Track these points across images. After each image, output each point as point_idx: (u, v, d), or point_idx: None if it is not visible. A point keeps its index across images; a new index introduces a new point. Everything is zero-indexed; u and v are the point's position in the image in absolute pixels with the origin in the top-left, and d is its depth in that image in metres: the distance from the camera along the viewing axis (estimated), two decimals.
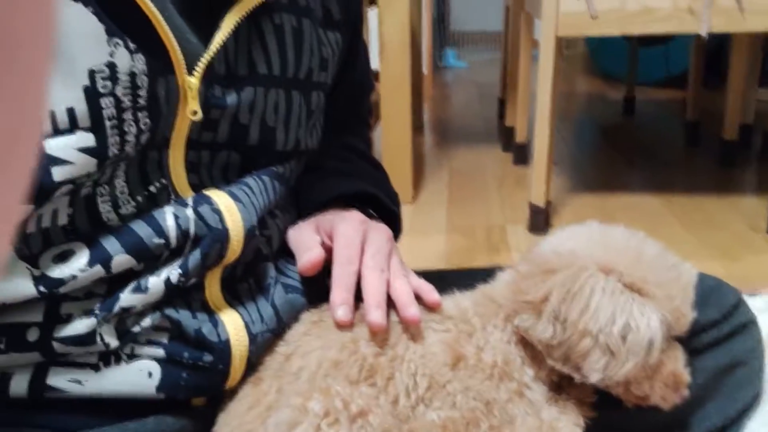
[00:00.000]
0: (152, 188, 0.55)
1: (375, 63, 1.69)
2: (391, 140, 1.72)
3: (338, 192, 0.72)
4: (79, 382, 0.53)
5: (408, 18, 1.64)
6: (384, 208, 0.76)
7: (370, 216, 0.73)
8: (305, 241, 0.64)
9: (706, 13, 1.33)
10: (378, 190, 0.75)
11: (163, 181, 0.55)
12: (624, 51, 3.06)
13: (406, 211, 1.72)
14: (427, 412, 0.56)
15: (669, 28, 1.38)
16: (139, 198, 0.54)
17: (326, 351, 0.57)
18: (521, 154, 2.21)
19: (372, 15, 1.69)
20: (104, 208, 0.52)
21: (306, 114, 0.66)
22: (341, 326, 0.58)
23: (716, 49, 3.02)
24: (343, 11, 0.72)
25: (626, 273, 0.58)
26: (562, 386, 0.61)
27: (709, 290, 0.70)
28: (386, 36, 1.64)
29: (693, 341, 0.65)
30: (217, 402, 0.58)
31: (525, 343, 0.60)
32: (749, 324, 0.69)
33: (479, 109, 3.24)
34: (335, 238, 0.63)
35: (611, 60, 3.80)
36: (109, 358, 0.54)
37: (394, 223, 0.77)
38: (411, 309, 0.58)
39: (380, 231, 0.65)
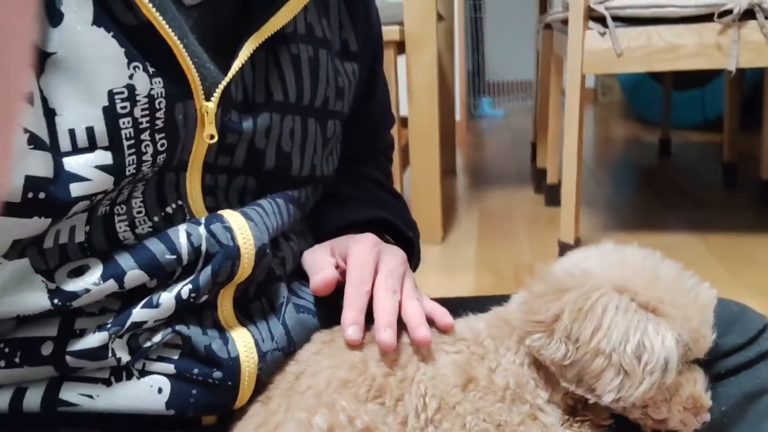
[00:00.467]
0: (169, 209, 0.56)
1: (404, 109, 1.72)
2: (419, 183, 1.73)
3: (354, 218, 0.73)
4: (90, 396, 0.54)
5: (435, 65, 1.67)
6: (402, 236, 0.77)
7: (386, 241, 0.73)
8: (319, 262, 0.64)
9: (734, 47, 1.32)
10: (394, 217, 0.75)
11: (180, 202, 0.57)
12: (659, 95, 3.05)
13: (436, 251, 1.72)
14: None
15: (696, 65, 1.37)
16: (156, 218, 0.55)
17: (335, 370, 0.57)
18: (553, 196, 2.20)
19: (401, 61, 1.72)
20: (121, 227, 0.54)
21: (322, 142, 0.68)
22: (351, 345, 0.58)
23: (753, 91, 2.99)
24: (361, 43, 0.74)
25: (641, 292, 0.57)
26: (576, 410, 0.59)
27: (733, 316, 0.68)
28: (414, 83, 1.68)
29: (715, 366, 0.63)
30: (228, 421, 0.58)
31: (538, 365, 0.59)
32: None
33: (513, 154, 3.25)
34: (349, 259, 0.63)
35: (647, 104, 3.79)
36: (120, 373, 0.54)
37: (411, 251, 0.77)
38: (422, 330, 0.58)
39: (394, 253, 0.65)
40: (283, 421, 0.54)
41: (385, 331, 0.57)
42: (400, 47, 1.69)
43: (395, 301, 0.60)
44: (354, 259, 0.62)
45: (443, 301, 0.66)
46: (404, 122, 1.73)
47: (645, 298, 0.57)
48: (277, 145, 0.62)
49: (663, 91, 2.96)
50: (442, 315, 0.62)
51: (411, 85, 1.66)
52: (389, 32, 1.60)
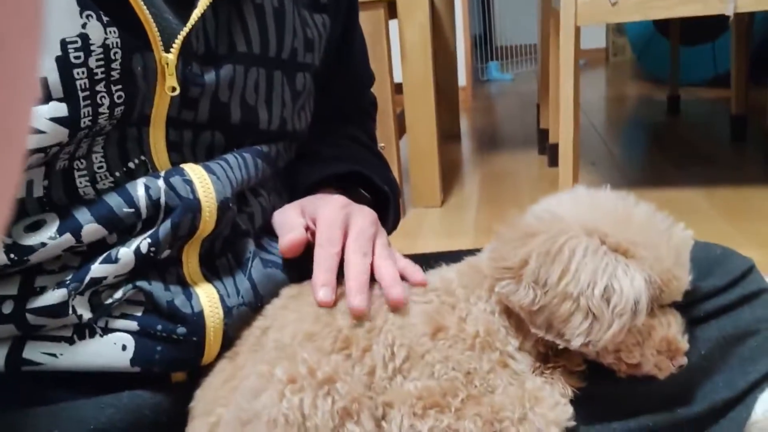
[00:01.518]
0: (131, 164, 0.55)
1: (398, 76, 1.69)
2: (417, 147, 1.71)
3: (330, 172, 0.72)
4: (54, 355, 0.53)
5: (428, 24, 1.63)
6: (379, 193, 0.75)
7: (360, 198, 0.72)
8: (288, 223, 0.63)
9: None
10: (372, 173, 0.74)
11: (143, 158, 0.56)
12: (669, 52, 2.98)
13: (435, 215, 1.71)
14: (404, 384, 0.55)
15: (693, 11, 1.33)
16: (118, 174, 0.55)
17: (301, 324, 0.57)
18: (555, 156, 2.16)
19: (393, 25, 1.69)
20: (81, 182, 0.53)
21: (291, 95, 0.66)
22: (323, 306, 0.57)
23: (762, 43, 2.91)
24: None
25: (611, 234, 0.55)
26: (548, 357, 0.58)
27: (716, 258, 0.66)
28: (407, 45, 1.64)
29: (695, 309, 0.62)
30: (197, 378, 0.58)
31: (509, 312, 0.57)
32: (761, 292, 0.65)
33: (520, 117, 3.21)
34: (317, 220, 0.62)
35: (657, 62, 3.71)
36: (83, 331, 0.54)
37: (388, 209, 0.76)
38: (396, 289, 0.57)
39: (364, 214, 0.64)
40: (248, 375, 0.53)
41: (356, 296, 0.56)
42: (392, 9, 1.66)
43: (366, 263, 0.59)
44: (323, 220, 0.61)
45: (418, 258, 0.66)
46: (399, 88, 1.70)
47: (615, 240, 0.55)
48: (242, 97, 0.61)
49: (671, 46, 2.90)
50: (414, 272, 0.61)
51: (404, 47, 1.63)
52: None
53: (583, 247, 0.54)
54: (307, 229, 0.63)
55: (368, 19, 1.60)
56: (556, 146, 2.17)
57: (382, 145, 1.68)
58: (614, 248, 0.55)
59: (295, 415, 0.48)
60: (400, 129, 1.76)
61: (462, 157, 2.50)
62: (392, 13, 1.66)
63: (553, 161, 2.18)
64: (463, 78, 3.88)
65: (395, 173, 1.72)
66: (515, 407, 0.53)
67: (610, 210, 0.58)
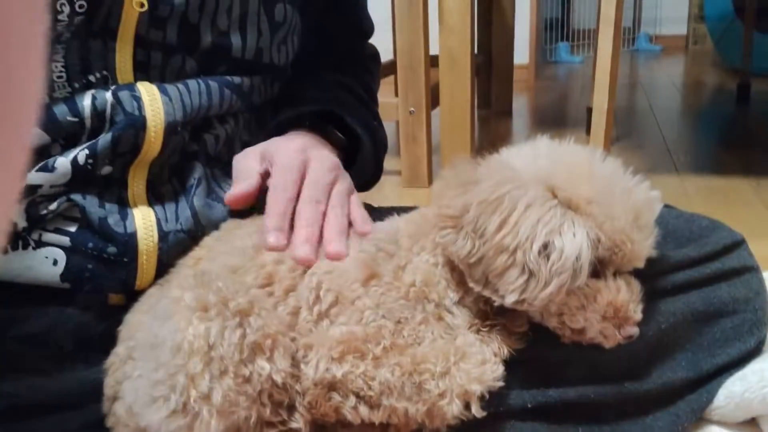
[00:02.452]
0: (92, 77, 0.55)
1: (434, 48, 1.64)
2: (448, 120, 1.65)
3: (301, 111, 0.69)
4: None
5: None
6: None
7: (335, 139, 0.70)
8: (244, 170, 0.61)
9: None
10: (346, 114, 0.71)
11: (105, 72, 0.56)
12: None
13: None
14: (331, 328, 0.52)
15: None
16: (77, 85, 0.54)
17: (229, 256, 0.55)
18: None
19: None
20: None
21: (269, 25, 0.64)
22: (272, 251, 0.56)
23: None
24: None
25: (564, 188, 0.51)
26: (489, 314, 0.54)
27: (699, 230, 0.61)
28: (446, 12, 1.59)
29: (661, 280, 0.57)
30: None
31: (453, 265, 0.54)
32: (745, 271, 0.59)
33: (578, 98, 3.09)
34: (273, 165, 0.61)
35: (735, 51, 3.50)
36: (17, 242, 0.54)
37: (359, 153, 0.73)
38: (333, 245, 0.56)
39: (322, 159, 0.62)
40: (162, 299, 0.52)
41: (302, 246, 0.55)
42: None
43: (317, 211, 0.57)
44: (278, 165, 0.60)
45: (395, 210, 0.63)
46: (434, 61, 1.65)
47: (567, 195, 0.51)
48: (212, 20, 0.60)
49: (745, 31, 2.72)
50: (361, 224, 0.59)
51: (442, 13, 1.58)
52: None
53: (527, 198, 0.50)
54: (266, 174, 0.61)
55: None
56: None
57: (412, 109, 1.65)
58: (566, 203, 0.51)
59: (199, 343, 0.47)
60: (434, 100, 1.71)
61: (509, 133, 2.43)
62: None
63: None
64: (525, 56, 3.78)
65: (423, 143, 1.68)
66: (438, 360, 0.50)
67: (570, 163, 0.54)
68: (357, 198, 0.63)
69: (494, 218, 0.50)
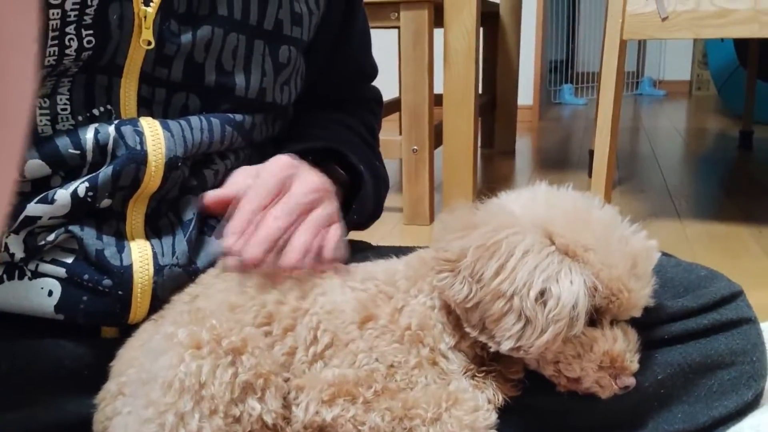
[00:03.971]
0: (95, 111, 0.56)
1: (438, 87, 1.66)
2: (451, 159, 1.66)
3: (305, 146, 0.70)
4: None
5: (474, 33, 1.60)
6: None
7: (337, 176, 0.70)
8: (233, 181, 0.62)
9: None
10: (349, 152, 0.71)
11: (109, 107, 0.56)
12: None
13: None
14: (324, 370, 0.52)
15: (748, 32, 1.25)
16: (80, 118, 0.55)
17: (228, 294, 0.55)
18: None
19: (438, 35, 1.65)
20: (42, 120, 0.54)
21: (273, 65, 0.65)
22: (229, 253, 0.56)
23: None
24: None
25: (561, 234, 0.51)
26: (485, 360, 0.54)
27: (697, 279, 0.60)
28: (451, 52, 1.61)
29: (658, 330, 0.57)
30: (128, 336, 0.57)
31: (449, 309, 0.54)
32: (743, 322, 0.59)
33: (581, 141, 3.11)
34: (257, 177, 0.61)
35: (737, 98, 3.53)
36: (13, 272, 0.54)
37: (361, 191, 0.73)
38: (288, 255, 0.56)
39: (306, 179, 0.62)
40: (155, 336, 0.52)
41: (251, 247, 0.55)
42: (438, 16, 1.63)
43: (275, 226, 0.57)
44: (260, 177, 0.60)
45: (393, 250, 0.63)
46: (438, 100, 1.67)
47: (565, 241, 0.51)
48: (218, 60, 0.61)
49: (747, 79, 2.75)
50: (326, 252, 0.58)
51: (447, 53, 1.60)
52: None
53: (525, 244, 0.50)
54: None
55: (411, 20, 1.58)
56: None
57: (415, 147, 1.66)
58: (563, 250, 0.51)
59: (191, 381, 0.46)
60: (437, 139, 1.72)
61: (510, 174, 2.44)
62: (438, 21, 1.63)
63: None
64: (530, 97, 3.82)
65: (425, 181, 1.68)
66: (430, 406, 0.49)
67: (567, 209, 0.54)
68: (337, 228, 0.62)
69: (491, 263, 0.50)
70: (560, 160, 2.70)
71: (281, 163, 0.61)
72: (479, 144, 2.81)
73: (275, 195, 0.58)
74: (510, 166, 2.59)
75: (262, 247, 0.54)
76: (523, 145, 3.04)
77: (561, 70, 4.97)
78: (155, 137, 0.56)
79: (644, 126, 3.66)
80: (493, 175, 2.41)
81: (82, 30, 0.52)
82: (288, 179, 0.60)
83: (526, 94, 3.69)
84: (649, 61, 5.43)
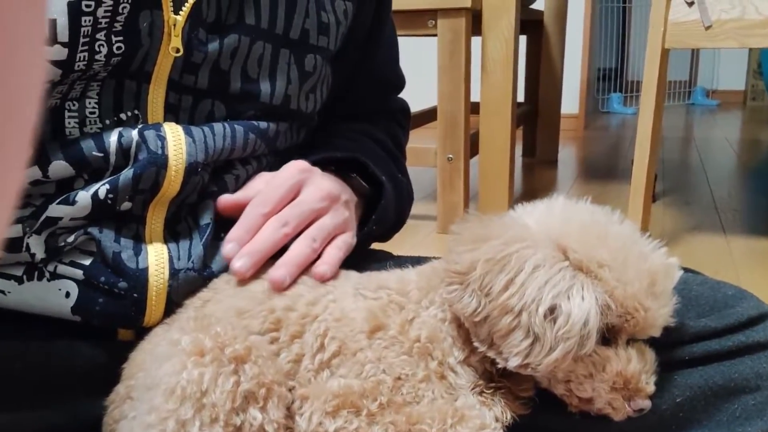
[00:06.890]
0: (123, 116, 0.57)
1: (475, 95, 1.64)
2: (487, 168, 1.65)
3: (326, 155, 0.69)
4: (3, 292, 0.55)
5: (513, 44, 1.58)
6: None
7: (359, 187, 0.69)
8: (249, 185, 0.62)
9: None
10: (370, 162, 0.71)
11: (137, 112, 0.57)
12: None
13: None
14: (329, 380, 0.51)
15: None
16: (108, 122, 0.56)
17: (236, 299, 0.55)
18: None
19: (476, 43, 1.63)
20: (70, 122, 0.55)
21: (299, 74, 0.65)
22: (227, 259, 0.56)
23: None
24: None
25: (576, 249, 0.50)
26: (494, 376, 0.53)
27: (723, 299, 0.58)
28: (489, 60, 1.59)
29: (679, 351, 0.54)
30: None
31: (460, 322, 0.53)
32: None
33: (627, 151, 3.05)
34: (271, 180, 0.61)
35: None
36: (33, 272, 0.55)
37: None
38: (279, 270, 0.55)
39: (318, 186, 0.61)
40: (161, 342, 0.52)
41: (240, 259, 0.55)
42: (476, 25, 1.61)
43: (277, 234, 0.57)
44: (274, 180, 0.60)
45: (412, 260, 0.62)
46: (475, 108, 1.65)
47: (579, 257, 0.49)
48: (243, 68, 0.61)
49: None
50: (320, 263, 0.58)
51: (485, 61, 1.59)
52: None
53: (536, 258, 0.49)
54: None
55: (448, 28, 1.57)
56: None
57: (450, 156, 1.64)
58: (577, 265, 0.49)
59: (192, 389, 0.46)
60: (473, 148, 1.71)
61: (550, 183, 2.40)
62: (477, 29, 1.62)
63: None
64: (575, 105, 3.76)
65: (460, 190, 1.67)
66: (435, 422, 0.48)
67: (584, 223, 0.52)
68: (343, 239, 0.61)
69: (501, 277, 0.49)
70: (604, 171, 2.65)
71: (293, 168, 0.61)
72: (520, 153, 2.78)
73: (285, 200, 0.58)
74: (551, 175, 2.55)
75: (256, 257, 0.54)
76: (567, 155, 3.00)
77: (610, 78, 4.88)
78: (177, 142, 0.57)
79: (695, 136, 3.56)
80: (533, 184, 2.38)
81: (113, 36, 0.53)
82: (300, 182, 0.60)
83: (571, 102, 3.64)
84: (702, 71, 5.29)
